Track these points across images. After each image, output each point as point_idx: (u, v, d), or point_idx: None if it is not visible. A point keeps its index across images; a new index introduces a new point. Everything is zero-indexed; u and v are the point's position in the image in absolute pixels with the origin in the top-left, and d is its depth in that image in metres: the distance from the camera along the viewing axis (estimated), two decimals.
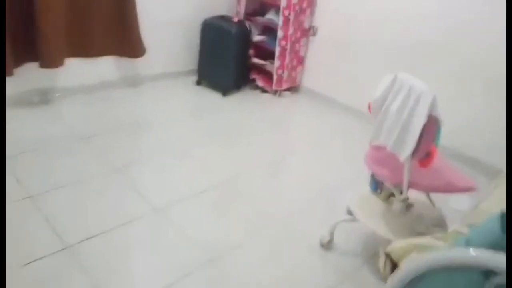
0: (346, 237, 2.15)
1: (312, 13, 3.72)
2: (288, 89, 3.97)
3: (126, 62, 3.42)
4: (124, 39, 3.25)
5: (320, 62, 3.84)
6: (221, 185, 2.46)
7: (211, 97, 3.67)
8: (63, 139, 2.66)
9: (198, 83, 3.86)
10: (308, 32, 3.79)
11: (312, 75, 3.95)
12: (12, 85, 2.86)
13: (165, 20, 3.53)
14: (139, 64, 3.55)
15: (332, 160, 2.94)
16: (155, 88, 3.64)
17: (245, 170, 2.65)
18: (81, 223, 1.99)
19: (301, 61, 3.91)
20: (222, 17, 3.67)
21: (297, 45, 3.75)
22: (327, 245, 2.08)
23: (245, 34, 3.70)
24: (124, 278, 1.75)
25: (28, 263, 1.73)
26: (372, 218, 1.91)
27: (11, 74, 2.71)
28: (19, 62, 2.80)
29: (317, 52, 3.84)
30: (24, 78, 2.91)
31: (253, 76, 3.96)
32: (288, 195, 2.49)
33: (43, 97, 3.05)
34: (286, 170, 2.75)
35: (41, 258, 1.76)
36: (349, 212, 2.15)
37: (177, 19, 3.63)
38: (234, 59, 3.65)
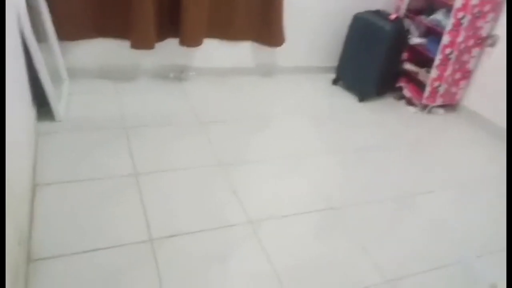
0: None
1: (495, 19, 2.94)
2: (441, 106, 3.28)
3: (263, 49, 3.24)
4: (265, 25, 3.05)
5: (494, 80, 3.03)
6: (328, 212, 2.08)
7: (345, 101, 3.25)
8: (184, 119, 2.61)
9: (335, 82, 3.47)
10: (484, 41, 3.02)
11: (479, 94, 3.17)
12: (152, 58, 2.94)
13: (311, 9, 3.21)
14: (276, 54, 3.34)
15: (480, 213, 2.26)
16: (287, 81, 3.39)
17: (361, 199, 2.20)
18: (172, 217, 1.86)
19: (467, 75, 3.16)
20: (377, 12, 3.17)
21: (466, 56, 3.03)
22: None
23: (401, 34, 3.14)
24: None
25: (116, 246, 1.66)
26: None
27: (152, 47, 2.77)
28: (161, 36, 2.84)
29: (492, 68, 3.04)
30: (164, 53, 2.96)
31: (401, 83, 3.38)
32: (408, 247, 1.96)
33: (178, 74, 3.07)
34: (413, 212, 2.19)
35: (124, 245, 1.68)
36: None
37: (324, 10, 3.26)
38: (382, 61, 3.13)
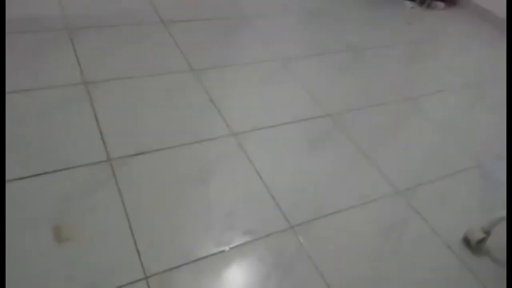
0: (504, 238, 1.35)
1: None
2: (442, 0, 2.87)
3: None
4: None
5: None
6: (325, 119, 1.75)
7: None
8: (142, 18, 2.13)
9: None
10: None
11: None
12: None
13: None
14: None
15: (491, 115, 2.00)
16: None
17: (361, 104, 1.88)
18: (135, 132, 1.49)
19: None
20: None
21: None
22: (477, 246, 1.32)
23: None
24: (157, 205, 1.25)
25: (65, 169, 1.30)
26: None
27: None
28: None
29: None
30: None
31: None
32: (418, 153, 1.70)
33: None
34: (420, 115, 1.89)
35: (76, 167, 1.32)
36: None
37: None
38: None
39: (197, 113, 1.64)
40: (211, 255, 1.16)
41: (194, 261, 1.14)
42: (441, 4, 2.88)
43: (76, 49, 1.81)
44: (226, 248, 1.18)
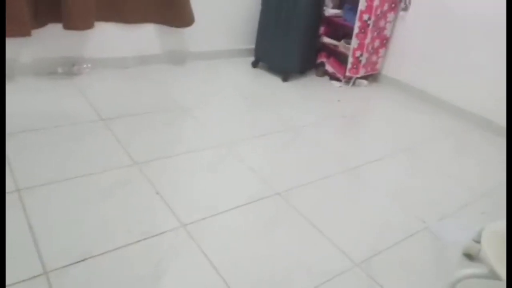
0: None
1: None
2: (364, 77, 3.18)
3: (169, 34, 2.83)
4: (169, 4, 2.64)
5: (411, 45, 3.01)
6: (274, 198, 1.75)
7: (268, 83, 2.98)
8: (81, 118, 2.10)
9: (254, 64, 3.19)
10: (398, 5, 2.98)
11: (398, 61, 3.13)
12: (32, 49, 2.36)
13: None
14: (184, 38, 2.95)
15: (430, 176, 2.13)
16: (201, 67, 3.01)
17: (308, 179, 1.92)
18: (77, 239, 1.38)
19: (385, 42, 3.10)
20: None
21: (382, 21, 2.95)
22: None
23: (317, 7, 2.97)
24: None
25: None
26: None
27: (28, 34, 2.20)
28: (40, 21, 2.28)
29: (407, 32, 3.01)
30: (47, 43, 2.40)
31: (322, 59, 3.22)
32: (369, 222, 1.73)
33: (69, 68, 2.52)
34: (366, 184, 1.98)
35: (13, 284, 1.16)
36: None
37: None
38: (300, 37, 2.93)
39: (144, 207, 1.56)
40: None
41: None
42: (365, 82, 3.18)
43: (9, 155, 1.71)
44: None
